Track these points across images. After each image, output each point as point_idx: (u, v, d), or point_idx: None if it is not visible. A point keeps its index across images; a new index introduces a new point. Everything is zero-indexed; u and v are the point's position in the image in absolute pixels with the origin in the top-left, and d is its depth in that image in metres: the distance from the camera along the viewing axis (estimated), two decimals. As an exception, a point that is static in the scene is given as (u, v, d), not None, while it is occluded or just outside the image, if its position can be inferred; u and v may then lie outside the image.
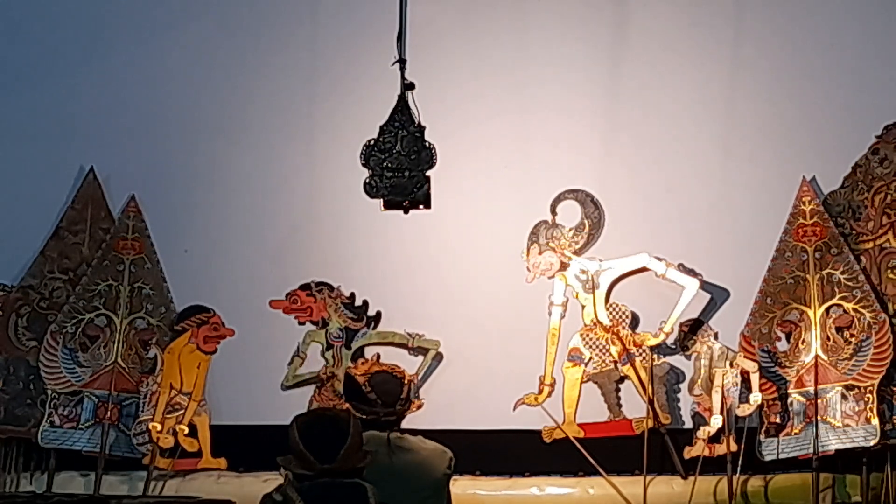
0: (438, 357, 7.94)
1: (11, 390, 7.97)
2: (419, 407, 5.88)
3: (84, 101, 8.41)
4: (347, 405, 5.67)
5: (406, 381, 5.74)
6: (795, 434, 7.35)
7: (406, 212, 6.51)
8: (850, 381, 7.30)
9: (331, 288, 8.09)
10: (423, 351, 7.96)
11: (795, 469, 7.32)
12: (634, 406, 7.69)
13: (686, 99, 8.00)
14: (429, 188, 6.41)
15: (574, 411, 7.72)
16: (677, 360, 7.75)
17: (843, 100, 7.79)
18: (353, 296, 8.09)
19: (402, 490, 5.21)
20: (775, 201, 7.70)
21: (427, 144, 6.46)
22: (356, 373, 5.81)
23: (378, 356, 7.93)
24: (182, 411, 7.79)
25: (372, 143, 6.47)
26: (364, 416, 5.54)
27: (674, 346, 7.75)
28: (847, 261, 7.48)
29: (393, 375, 5.77)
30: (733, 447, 7.29)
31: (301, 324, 8.08)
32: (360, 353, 8.03)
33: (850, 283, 7.44)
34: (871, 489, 7.21)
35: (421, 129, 6.46)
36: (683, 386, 7.70)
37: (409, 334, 7.97)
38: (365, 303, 8.08)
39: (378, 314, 8.08)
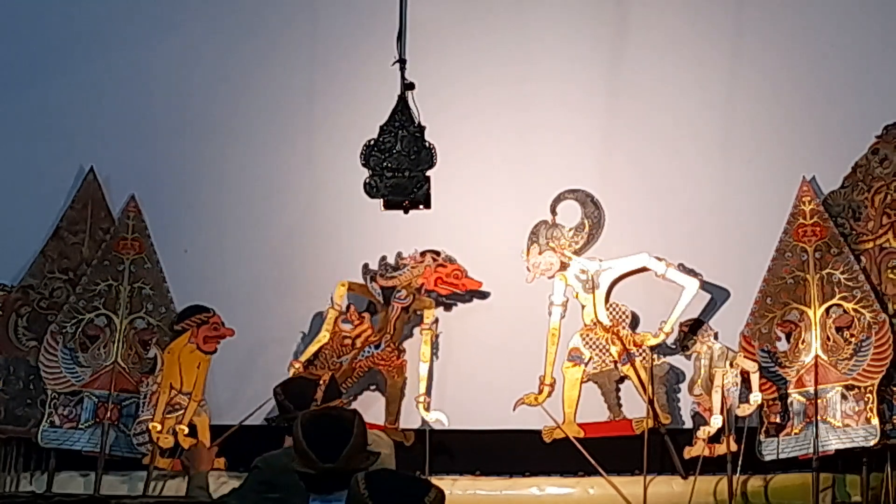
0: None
1: (11, 390, 7.97)
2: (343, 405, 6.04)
3: (84, 101, 8.40)
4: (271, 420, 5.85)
5: (321, 382, 5.87)
6: (795, 434, 7.35)
7: (406, 212, 6.51)
8: (850, 381, 7.30)
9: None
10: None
11: (795, 469, 7.32)
12: (634, 406, 7.69)
13: (686, 98, 8.00)
14: (429, 188, 6.41)
15: (574, 411, 7.72)
16: (677, 360, 7.75)
17: (843, 100, 7.79)
18: None
19: None
20: (775, 201, 7.70)
21: (427, 144, 6.46)
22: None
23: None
24: (182, 411, 7.79)
25: (372, 143, 6.47)
26: (282, 423, 5.69)
27: (674, 346, 7.75)
28: (847, 261, 7.48)
29: (306, 379, 5.90)
30: (733, 447, 7.28)
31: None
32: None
33: (850, 283, 7.44)
34: (871, 489, 7.20)
35: (421, 129, 6.46)
36: (683, 386, 7.70)
37: None
38: None
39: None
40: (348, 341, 7.93)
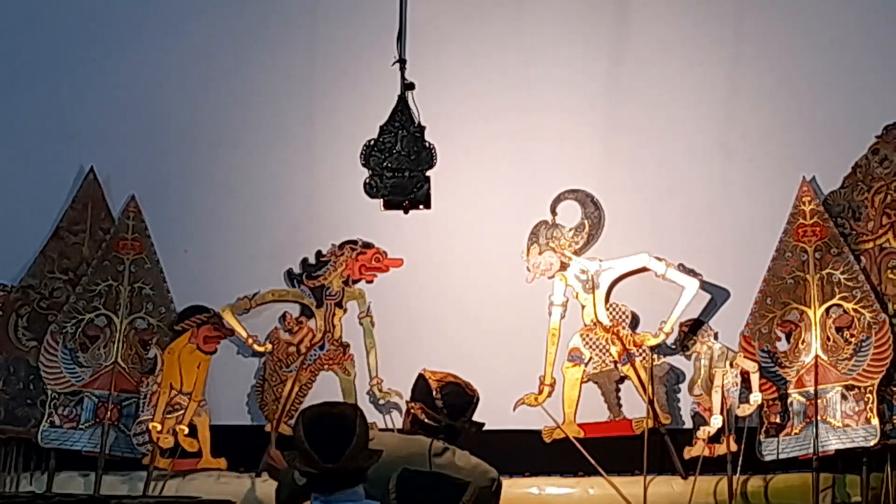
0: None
1: (11, 390, 7.97)
2: (478, 430, 5.78)
3: (84, 101, 8.40)
4: (414, 404, 5.67)
5: (475, 401, 5.74)
6: (795, 434, 7.35)
7: (406, 212, 6.51)
8: (850, 381, 7.30)
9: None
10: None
11: (795, 469, 7.32)
12: (634, 406, 7.69)
13: (686, 99, 8.00)
14: (429, 188, 6.42)
15: (574, 411, 7.72)
16: (677, 360, 7.75)
17: (843, 100, 7.78)
18: None
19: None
20: (775, 201, 7.70)
21: (427, 144, 6.47)
22: (431, 377, 5.78)
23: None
24: (182, 411, 7.79)
25: (372, 143, 6.48)
26: (426, 420, 5.55)
27: (674, 346, 7.75)
28: (847, 261, 7.48)
29: (465, 391, 5.74)
30: (733, 447, 7.29)
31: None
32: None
33: (850, 283, 7.44)
34: (871, 489, 7.20)
35: (421, 129, 6.47)
36: (683, 386, 7.70)
37: None
38: None
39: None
40: (292, 349, 7.95)
